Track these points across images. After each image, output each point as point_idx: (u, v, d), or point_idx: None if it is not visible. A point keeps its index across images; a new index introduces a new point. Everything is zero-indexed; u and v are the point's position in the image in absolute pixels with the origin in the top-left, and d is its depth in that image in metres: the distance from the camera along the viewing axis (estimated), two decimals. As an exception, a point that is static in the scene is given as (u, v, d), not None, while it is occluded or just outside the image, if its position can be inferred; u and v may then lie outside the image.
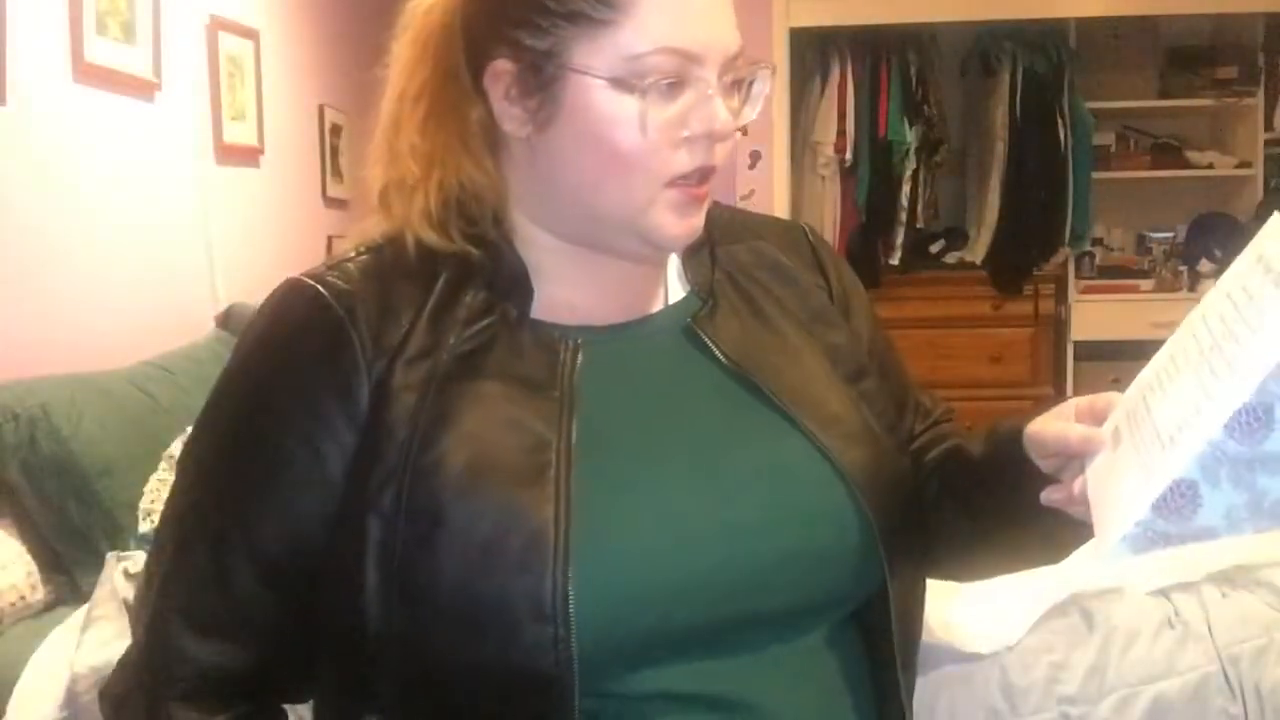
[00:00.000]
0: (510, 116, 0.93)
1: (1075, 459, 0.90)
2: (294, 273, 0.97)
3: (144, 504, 2.26)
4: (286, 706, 1.00)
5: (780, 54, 4.42)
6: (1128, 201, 5.33)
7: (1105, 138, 5.19)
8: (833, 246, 1.20)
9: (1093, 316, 5.09)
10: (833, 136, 4.96)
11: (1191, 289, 5.06)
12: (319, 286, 0.93)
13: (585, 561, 0.85)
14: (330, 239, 3.98)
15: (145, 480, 2.30)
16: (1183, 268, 5.16)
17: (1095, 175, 5.05)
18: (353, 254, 0.97)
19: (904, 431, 1.11)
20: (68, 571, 2.20)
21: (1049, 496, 0.91)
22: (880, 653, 1.00)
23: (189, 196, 3.17)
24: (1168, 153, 5.19)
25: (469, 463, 0.88)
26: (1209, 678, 1.76)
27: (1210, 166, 5.13)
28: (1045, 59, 4.95)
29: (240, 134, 3.46)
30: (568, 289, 0.98)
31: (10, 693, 1.86)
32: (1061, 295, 5.13)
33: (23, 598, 2.10)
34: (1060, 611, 1.80)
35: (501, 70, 0.92)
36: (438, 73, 0.96)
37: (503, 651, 0.85)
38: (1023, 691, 1.74)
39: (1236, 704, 1.75)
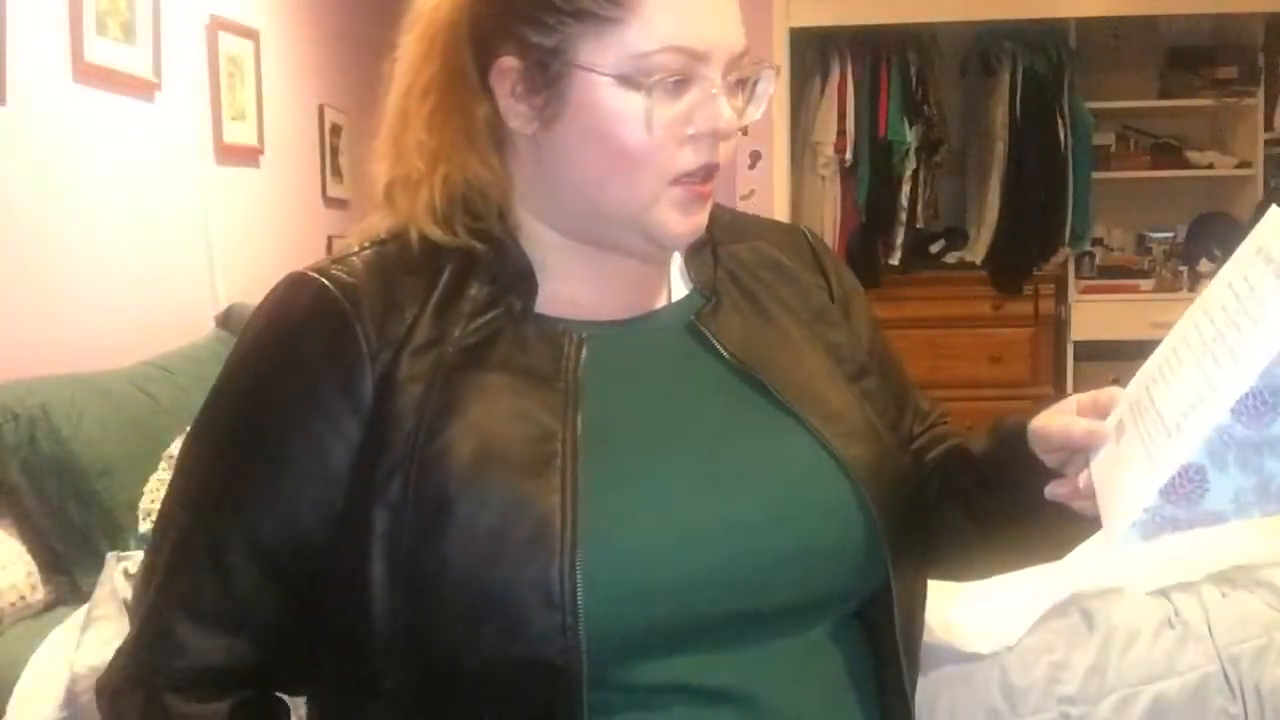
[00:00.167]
0: (516, 113, 0.94)
1: (1079, 453, 0.91)
2: (288, 272, 0.97)
3: (144, 504, 2.26)
4: (285, 698, 1.00)
5: (780, 54, 4.41)
6: (1128, 201, 5.33)
7: (1105, 138, 5.19)
8: (832, 248, 1.21)
9: (1093, 316, 5.09)
10: (833, 136, 4.96)
11: (1191, 289, 5.06)
12: (323, 280, 0.93)
13: (592, 551, 0.85)
14: (330, 239, 3.99)
15: (145, 480, 2.30)
16: (1183, 268, 5.16)
17: (1095, 175, 5.05)
18: (356, 249, 0.97)
19: (904, 432, 1.11)
20: (68, 571, 2.20)
21: (1053, 491, 0.91)
22: (883, 650, 1.00)
23: (189, 196, 3.17)
24: (1168, 153, 5.19)
25: (475, 453, 0.88)
26: (1209, 678, 1.76)
27: (1210, 166, 5.14)
28: (1045, 59, 4.95)
29: (240, 134, 3.46)
30: (572, 285, 0.99)
31: (10, 693, 1.86)
32: (1061, 295, 5.14)
33: (23, 598, 2.10)
34: (1060, 611, 1.80)
35: (508, 67, 0.93)
36: (445, 69, 0.96)
37: (510, 641, 0.85)
38: (1023, 691, 1.74)
39: (1236, 704, 1.75)
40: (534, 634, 0.84)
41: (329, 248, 3.89)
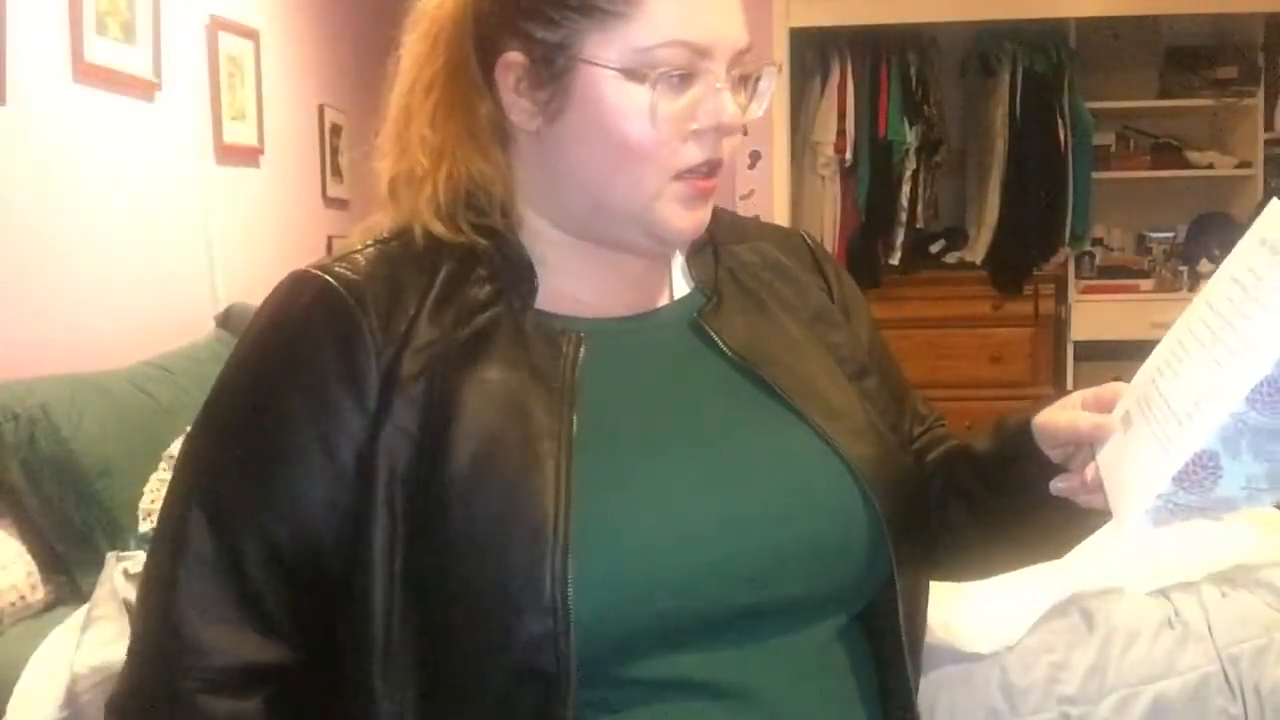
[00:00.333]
0: (520, 108, 0.94)
1: (1084, 447, 0.91)
2: (291, 270, 0.97)
3: (144, 504, 2.26)
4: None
5: (780, 54, 4.41)
6: (1128, 201, 5.33)
7: (1105, 138, 5.19)
8: (832, 248, 1.21)
9: (1093, 316, 5.09)
10: (833, 136, 4.96)
11: (1191, 289, 5.06)
12: (328, 277, 0.93)
13: (586, 552, 0.85)
14: (330, 239, 3.98)
15: (145, 480, 2.30)
16: (1183, 268, 5.16)
17: (1095, 175, 5.05)
18: (359, 247, 0.97)
19: (903, 434, 1.11)
20: (68, 571, 2.20)
21: (1059, 485, 0.91)
22: (886, 650, 1.00)
23: (189, 196, 3.17)
24: (1168, 153, 5.19)
25: (473, 453, 0.88)
26: (1209, 678, 1.76)
27: (1210, 166, 5.14)
28: (1045, 59, 4.95)
29: (240, 134, 3.46)
30: (573, 283, 0.99)
31: (10, 693, 1.86)
32: (1061, 295, 5.14)
33: (23, 598, 2.10)
34: (1060, 611, 1.80)
35: (512, 62, 0.93)
36: (448, 66, 0.97)
37: (503, 643, 0.85)
38: (1023, 691, 1.74)
39: (1236, 704, 1.75)
40: (525, 638, 0.84)
41: (329, 248, 3.89)
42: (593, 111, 0.92)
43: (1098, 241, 5.34)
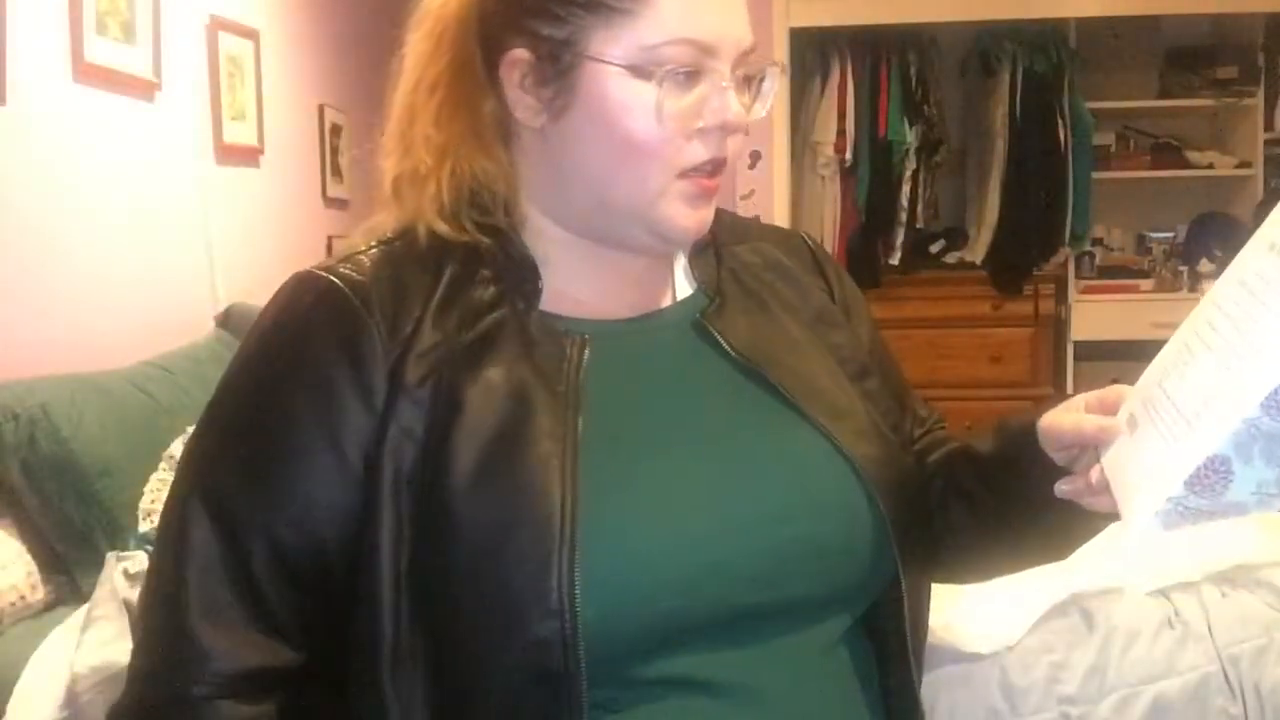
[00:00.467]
0: (524, 106, 0.94)
1: (1088, 450, 0.91)
2: (294, 272, 0.97)
3: (144, 504, 2.26)
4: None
5: (780, 54, 4.41)
6: (1128, 201, 5.33)
7: (1105, 138, 5.19)
8: (832, 248, 1.21)
9: (1093, 316, 5.09)
10: (833, 136, 4.96)
11: (1192, 289, 5.06)
12: (333, 278, 0.93)
13: (592, 554, 0.85)
14: (330, 239, 3.98)
15: (145, 480, 2.30)
16: (1183, 268, 5.16)
17: (1095, 175, 5.05)
18: (363, 248, 0.97)
19: (903, 435, 1.11)
20: (68, 571, 2.20)
21: (1063, 488, 0.92)
22: (890, 651, 1.01)
23: (189, 196, 3.17)
24: (1168, 153, 5.19)
25: (478, 455, 0.88)
26: (1209, 678, 1.76)
27: (1210, 166, 5.14)
28: (1045, 59, 4.95)
29: (240, 134, 3.46)
30: (576, 283, 0.99)
31: (10, 693, 1.86)
32: (1061, 295, 5.13)
33: (23, 598, 2.10)
34: (1060, 611, 1.80)
35: (517, 59, 0.93)
36: (452, 64, 0.97)
37: (510, 645, 0.85)
38: (1023, 691, 1.74)
39: (1236, 704, 1.75)
40: (533, 639, 0.84)
41: (329, 248, 3.89)
42: (598, 108, 0.92)
43: (1098, 241, 5.34)
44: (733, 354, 0.99)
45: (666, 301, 1.03)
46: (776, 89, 0.99)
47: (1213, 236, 5.10)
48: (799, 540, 0.93)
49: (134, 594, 1.86)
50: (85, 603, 1.96)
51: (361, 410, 0.90)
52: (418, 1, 1.00)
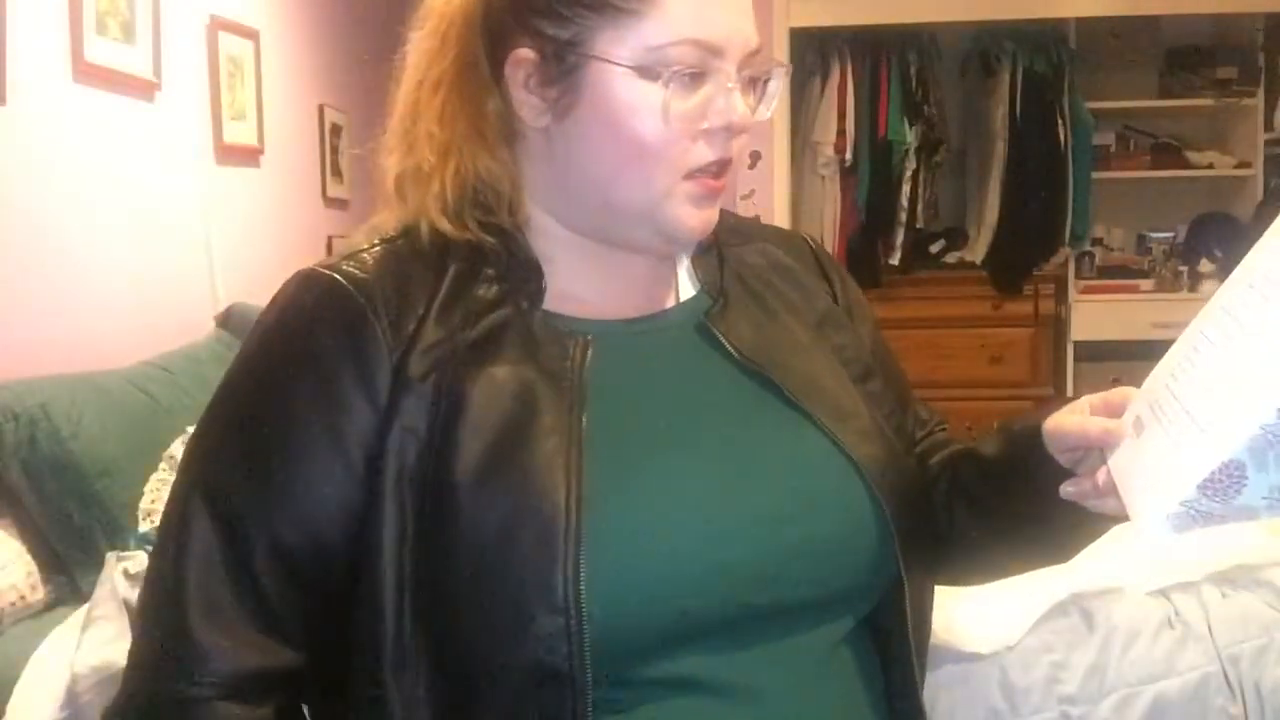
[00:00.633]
0: (529, 105, 0.94)
1: (1093, 452, 0.91)
2: (294, 272, 0.97)
3: (144, 504, 2.26)
4: None
5: (780, 54, 4.41)
6: (1128, 201, 5.33)
7: (1105, 138, 5.19)
8: (832, 249, 1.21)
9: (1092, 316, 5.09)
10: (833, 136, 4.96)
11: (1192, 289, 5.07)
12: (336, 276, 0.93)
13: (598, 552, 0.85)
14: (330, 239, 3.98)
15: (145, 480, 2.29)
16: (1183, 268, 5.16)
17: (1095, 175, 5.06)
18: (366, 246, 0.97)
19: (905, 437, 1.11)
20: (68, 571, 2.20)
21: (1069, 490, 0.91)
22: (894, 653, 1.00)
23: (189, 196, 3.17)
24: (1168, 153, 5.20)
25: (481, 454, 0.88)
26: (1209, 678, 1.76)
27: (1210, 166, 5.14)
28: (1045, 59, 4.95)
29: (240, 134, 3.46)
30: (580, 283, 0.99)
31: (10, 693, 1.86)
32: (1061, 295, 5.14)
33: (23, 598, 2.10)
34: (1060, 611, 1.80)
35: (522, 58, 0.93)
36: (457, 62, 0.96)
37: (515, 644, 0.85)
38: (1023, 691, 1.74)
39: (1236, 704, 1.75)
40: (538, 637, 0.84)
41: (329, 248, 3.89)
42: (604, 109, 0.92)
43: (1098, 241, 5.34)
44: (736, 355, 0.99)
45: (670, 302, 1.03)
46: (781, 90, 0.99)
47: (1212, 236, 5.10)
48: (803, 541, 0.93)
49: (134, 594, 1.86)
50: (85, 603, 1.96)
51: (365, 407, 0.89)
52: (419, 1, 0.99)
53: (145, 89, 2.96)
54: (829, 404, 0.99)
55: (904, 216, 5.04)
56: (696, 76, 0.92)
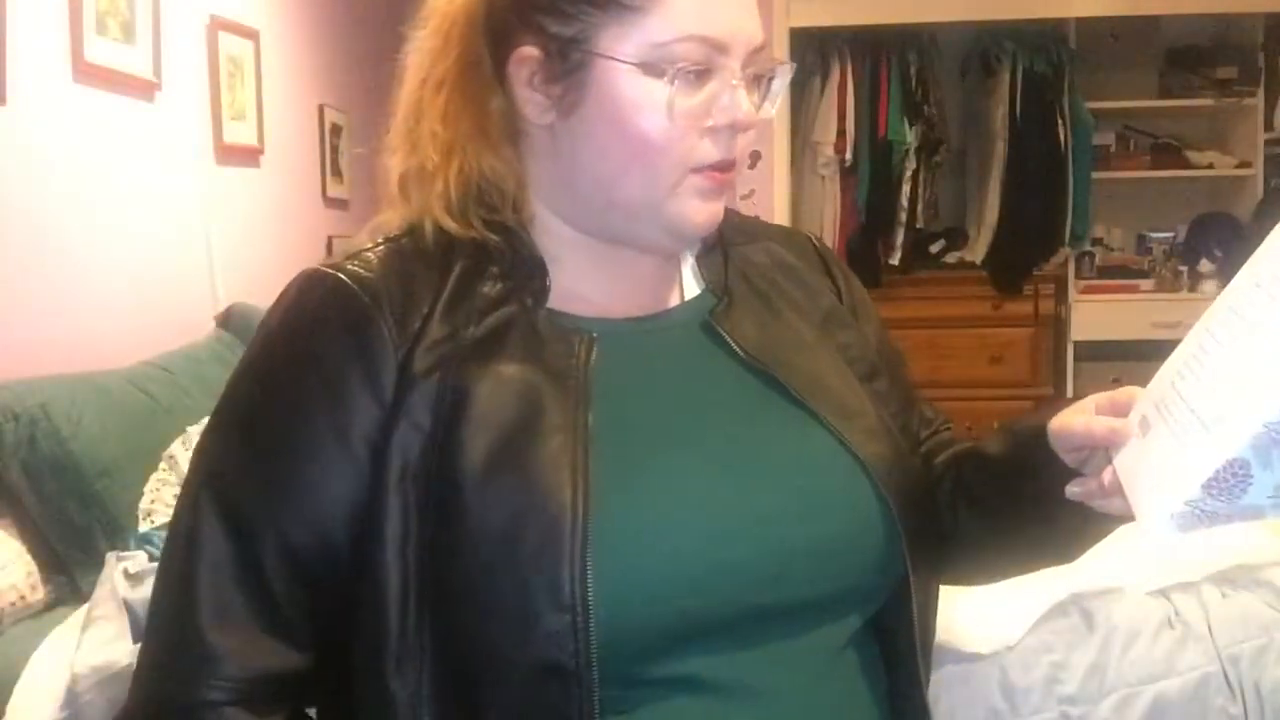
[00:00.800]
0: (533, 103, 0.94)
1: (1098, 452, 0.91)
2: (294, 272, 0.97)
3: (144, 504, 2.26)
4: None
5: (780, 54, 4.41)
6: (1128, 201, 5.33)
7: (1105, 138, 5.19)
8: (832, 249, 1.22)
9: (1093, 316, 5.09)
10: (833, 136, 4.96)
11: (1192, 289, 5.07)
12: (341, 275, 0.93)
13: (604, 550, 0.85)
14: (330, 239, 3.98)
15: (145, 480, 2.30)
16: (1183, 268, 5.16)
17: (1095, 175, 5.05)
18: (370, 245, 0.97)
19: (910, 436, 1.11)
20: (68, 571, 2.20)
21: (1074, 490, 0.91)
22: (898, 653, 1.00)
23: (189, 196, 3.17)
24: (1168, 153, 5.19)
25: (487, 452, 0.88)
26: (1209, 678, 1.76)
27: (1210, 166, 5.14)
28: (1045, 59, 4.95)
29: (240, 134, 3.46)
30: (584, 282, 0.99)
31: (10, 693, 1.86)
32: (1061, 295, 5.14)
33: (23, 598, 2.10)
34: (1060, 611, 1.80)
35: (526, 56, 0.93)
36: (460, 61, 0.96)
37: (521, 642, 0.85)
38: (1023, 691, 1.74)
39: (1236, 704, 1.75)
40: (544, 635, 0.84)
41: (329, 248, 3.89)
42: (609, 106, 0.92)
43: (1098, 241, 5.34)
44: (741, 354, 0.99)
45: (674, 301, 1.03)
46: (784, 88, 0.99)
47: (1212, 236, 5.10)
48: (809, 540, 0.93)
49: (134, 594, 1.86)
50: (85, 603, 1.96)
51: (371, 405, 0.89)
52: (420, 1, 0.99)
53: (145, 89, 2.96)
54: (834, 402, 0.99)
55: (904, 216, 5.04)
56: (701, 73, 0.92)
